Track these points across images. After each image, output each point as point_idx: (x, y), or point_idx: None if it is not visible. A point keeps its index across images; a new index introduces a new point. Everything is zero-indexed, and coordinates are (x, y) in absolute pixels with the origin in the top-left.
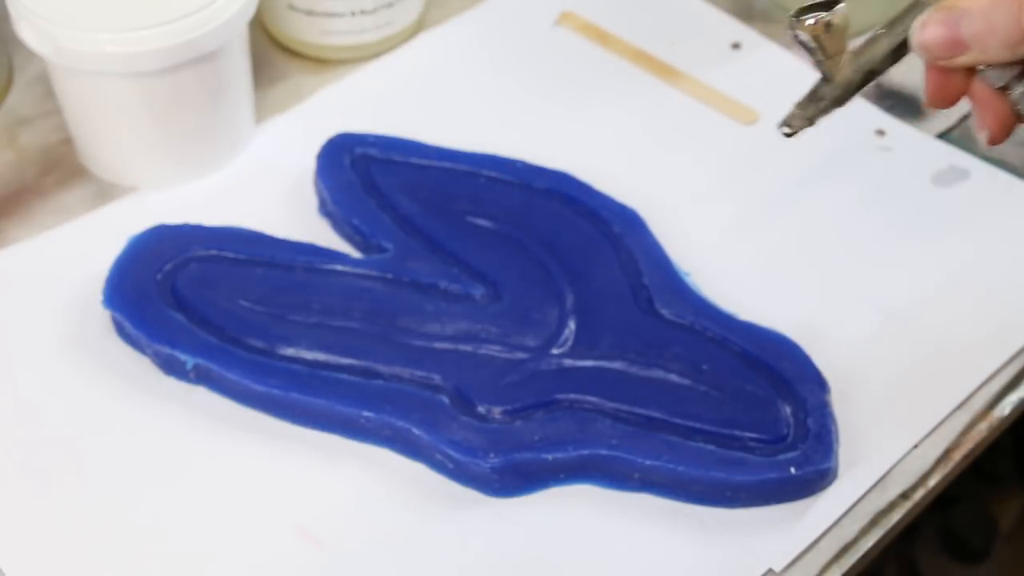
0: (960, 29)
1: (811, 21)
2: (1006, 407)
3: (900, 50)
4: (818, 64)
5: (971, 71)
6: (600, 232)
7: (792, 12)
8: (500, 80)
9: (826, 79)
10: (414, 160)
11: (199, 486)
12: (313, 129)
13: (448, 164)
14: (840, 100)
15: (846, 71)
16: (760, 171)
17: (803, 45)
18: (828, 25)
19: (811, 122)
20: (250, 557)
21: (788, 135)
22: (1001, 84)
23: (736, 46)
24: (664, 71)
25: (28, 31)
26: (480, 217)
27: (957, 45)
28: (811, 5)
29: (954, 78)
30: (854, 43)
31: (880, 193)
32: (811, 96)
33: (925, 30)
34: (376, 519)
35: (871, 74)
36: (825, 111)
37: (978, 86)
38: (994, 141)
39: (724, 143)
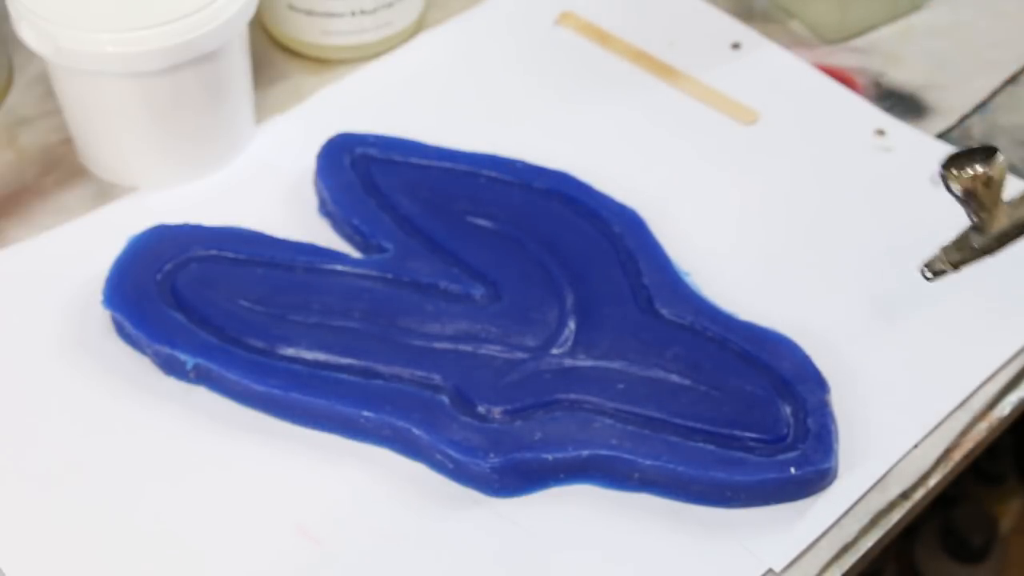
0: None
1: (968, 175)
2: (1006, 407)
3: None
4: (971, 215)
5: None
6: (600, 232)
7: (946, 159)
8: (500, 80)
9: (977, 229)
10: (414, 160)
11: (199, 486)
12: (313, 129)
13: (448, 164)
14: (990, 250)
15: (1001, 223)
16: (760, 171)
17: (956, 196)
18: (987, 181)
19: (956, 268)
20: (250, 557)
21: (929, 279)
22: None
23: (736, 46)
24: (664, 71)
25: (28, 31)
26: (480, 217)
27: None
28: (965, 153)
29: None
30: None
31: (880, 193)
32: (959, 242)
33: None
34: (376, 519)
35: None
36: (973, 259)
37: None
38: None
39: (724, 143)
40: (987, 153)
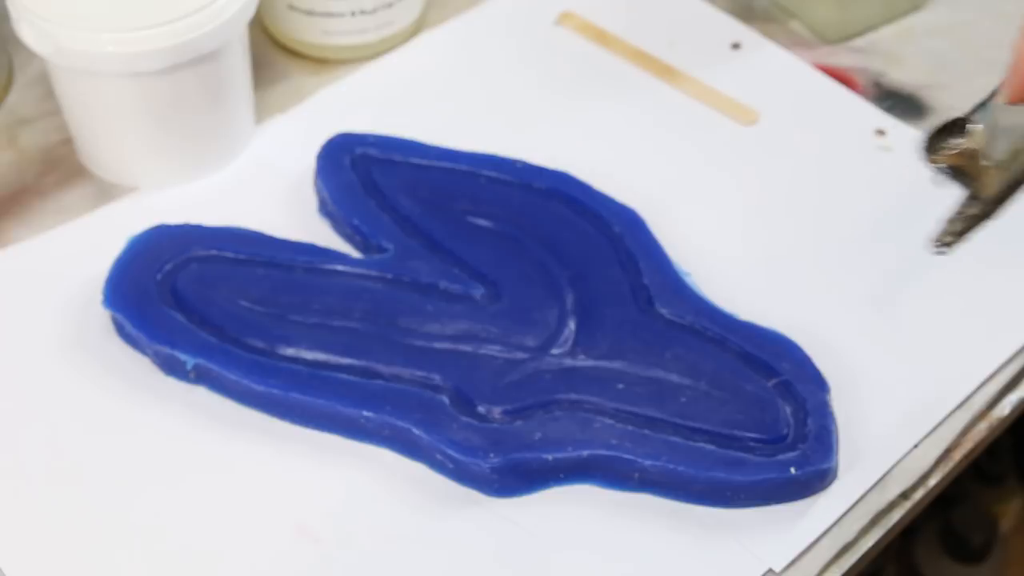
0: None
1: (950, 153)
2: (1006, 407)
3: None
4: (963, 187)
5: None
6: (600, 232)
7: (925, 140)
8: (500, 80)
9: (973, 197)
10: (414, 160)
11: (199, 486)
12: (313, 129)
13: (448, 164)
14: (989, 214)
15: (993, 186)
16: (760, 171)
17: (943, 173)
18: (969, 154)
19: (962, 237)
20: (250, 557)
21: (942, 252)
22: None
23: (736, 46)
24: (664, 71)
25: (28, 31)
26: (480, 217)
27: None
28: (942, 128)
29: None
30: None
31: (880, 193)
32: (960, 212)
33: None
34: (376, 519)
35: (1018, 184)
36: (976, 225)
37: None
38: None
39: (724, 143)
40: (961, 125)
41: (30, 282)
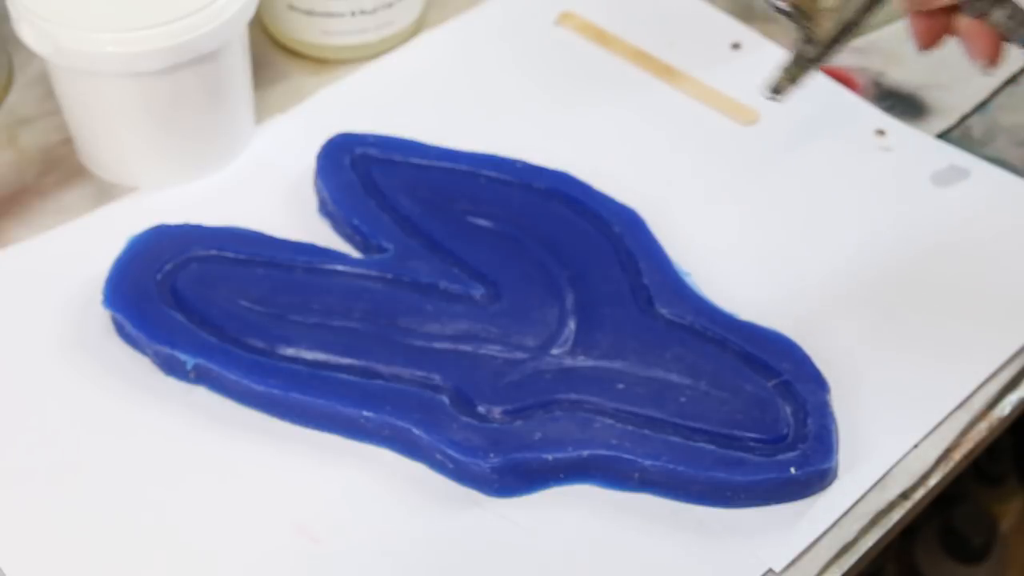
0: None
1: None
2: (1006, 407)
3: (876, 1)
4: (799, 27)
5: (952, 8)
6: (600, 232)
7: None
8: (500, 80)
9: (807, 40)
10: (414, 160)
11: (199, 486)
12: (313, 129)
13: (448, 164)
14: (823, 56)
15: (826, 28)
16: (760, 171)
17: (782, 12)
18: None
19: (796, 83)
20: (250, 557)
21: (775, 98)
22: (980, 13)
23: (736, 46)
24: (664, 71)
25: (28, 31)
26: (480, 217)
27: None
28: None
29: (938, 18)
30: None
31: (880, 193)
32: (796, 57)
33: None
34: (376, 519)
35: (850, 26)
36: (809, 69)
37: (961, 20)
38: (990, 65)
39: (724, 143)
40: None
41: (30, 282)
